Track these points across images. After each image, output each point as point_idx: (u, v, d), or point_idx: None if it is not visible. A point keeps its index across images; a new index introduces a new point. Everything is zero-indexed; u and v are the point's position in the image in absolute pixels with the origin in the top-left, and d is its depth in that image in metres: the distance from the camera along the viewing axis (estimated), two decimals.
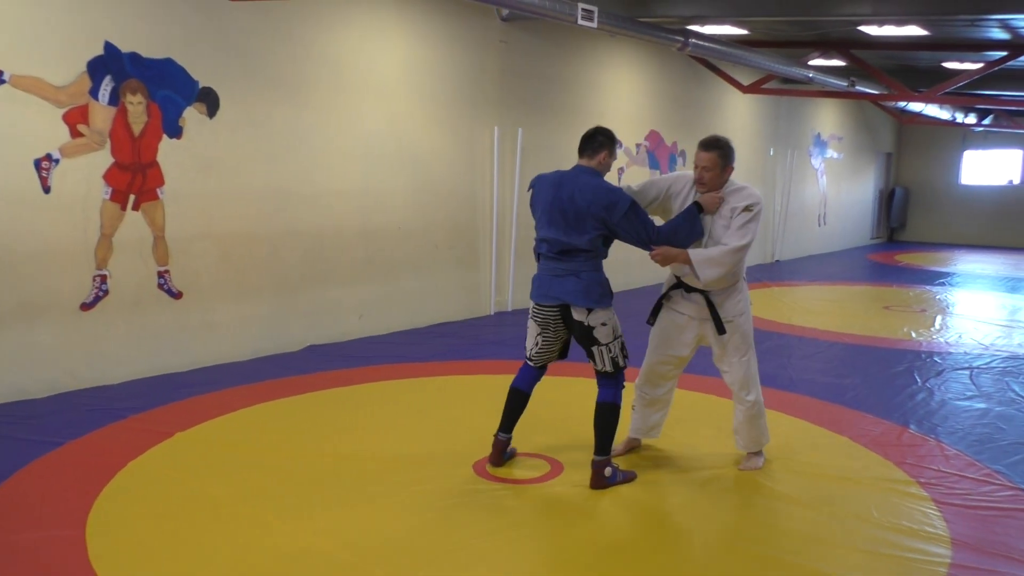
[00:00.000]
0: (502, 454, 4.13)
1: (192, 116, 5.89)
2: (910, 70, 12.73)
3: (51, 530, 3.34)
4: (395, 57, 7.35)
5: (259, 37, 6.25)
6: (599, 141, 3.93)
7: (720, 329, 4.00)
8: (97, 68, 5.33)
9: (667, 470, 4.25)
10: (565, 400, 5.16)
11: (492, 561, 3.26)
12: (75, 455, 4.20)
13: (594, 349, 3.92)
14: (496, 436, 4.13)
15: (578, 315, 3.86)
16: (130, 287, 5.68)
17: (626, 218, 3.78)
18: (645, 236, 3.83)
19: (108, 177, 5.47)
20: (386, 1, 7.19)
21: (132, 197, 5.62)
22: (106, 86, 5.38)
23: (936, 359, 6.95)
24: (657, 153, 11.12)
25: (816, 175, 15.77)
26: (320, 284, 6.95)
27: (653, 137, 11.00)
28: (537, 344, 4.03)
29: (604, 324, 3.89)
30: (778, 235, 14.32)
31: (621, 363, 3.97)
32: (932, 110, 14.73)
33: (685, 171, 4.23)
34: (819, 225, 16.17)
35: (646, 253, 3.96)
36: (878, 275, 13.20)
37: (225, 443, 4.45)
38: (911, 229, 19.35)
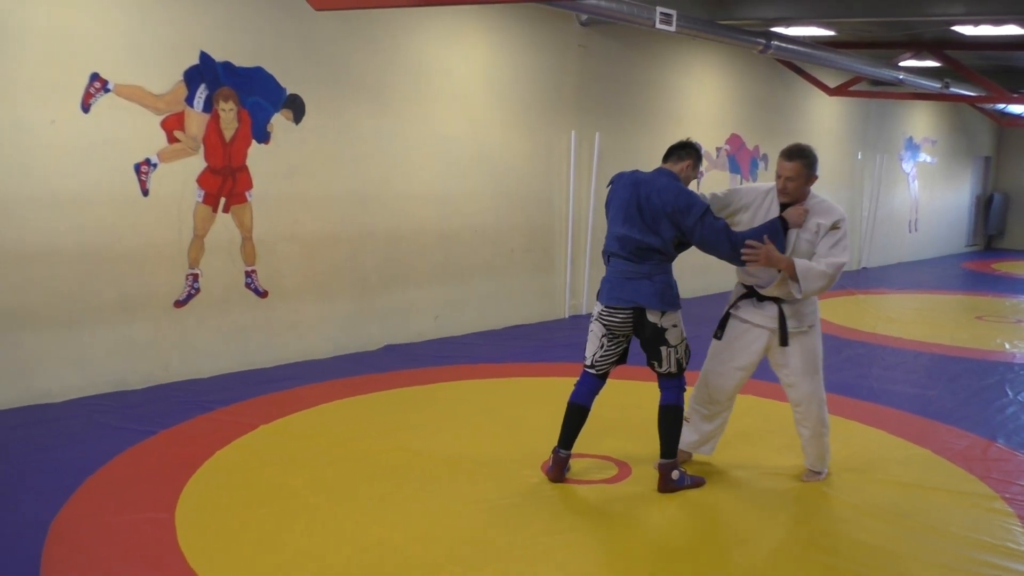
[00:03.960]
0: (563, 470, 4.08)
1: (279, 122, 6.14)
2: (1011, 70, 12.17)
3: (143, 512, 3.55)
4: (475, 63, 7.48)
5: (344, 45, 6.47)
6: (687, 151, 3.99)
7: (783, 340, 3.91)
8: (193, 77, 5.62)
9: (736, 477, 4.21)
10: (634, 403, 5.16)
11: (556, 560, 3.30)
12: (167, 444, 4.45)
13: (662, 350, 3.94)
14: (556, 452, 4.08)
15: (652, 317, 3.89)
16: (220, 286, 5.96)
17: (701, 223, 3.77)
18: (726, 242, 3.80)
19: (201, 181, 5.76)
20: (466, 8, 7.33)
21: (223, 200, 5.90)
22: (201, 94, 5.67)
23: None
24: (738, 157, 10.95)
25: (907, 180, 15.22)
26: (398, 286, 7.13)
27: (734, 141, 10.83)
28: (602, 347, 4.02)
29: (675, 326, 3.94)
30: (866, 241, 13.88)
31: (684, 364, 4.02)
32: None
33: (756, 184, 4.17)
34: (910, 231, 15.60)
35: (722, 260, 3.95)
36: (972, 284, 12.65)
37: (304, 436, 4.63)
38: (1011, 237, 18.44)
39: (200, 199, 5.77)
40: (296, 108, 6.23)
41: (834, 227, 3.76)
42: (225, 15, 5.75)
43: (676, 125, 9.74)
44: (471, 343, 7.25)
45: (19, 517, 3.51)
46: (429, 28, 7.06)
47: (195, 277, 5.82)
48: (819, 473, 4.18)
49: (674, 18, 6.41)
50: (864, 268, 13.82)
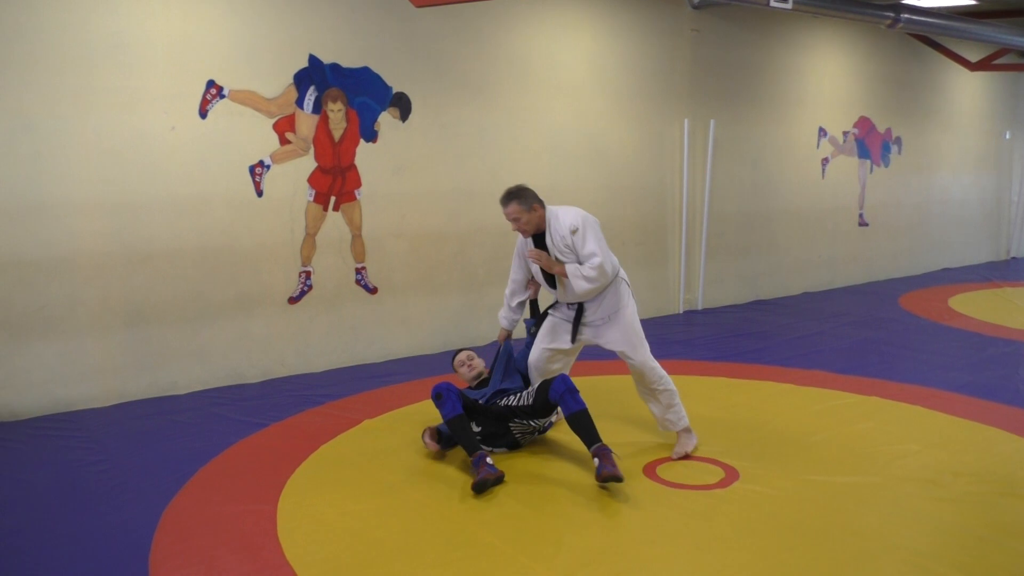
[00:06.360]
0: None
1: (386, 120, 6.22)
2: None
3: (248, 504, 3.66)
4: (581, 53, 7.34)
5: (448, 41, 6.48)
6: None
7: (572, 338, 4.22)
8: (302, 79, 5.77)
9: (866, 485, 3.91)
10: (743, 402, 4.90)
11: (657, 567, 3.15)
12: (276, 436, 4.58)
13: None
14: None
15: None
16: (331, 282, 6.11)
17: None
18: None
19: (312, 180, 5.92)
20: None
21: (333, 199, 6.04)
22: (310, 96, 5.82)
23: None
24: (868, 141, 10.30)
25: None
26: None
27: (863, 124, 10.19)
28: None
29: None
30: (1015, 228, 12.77)
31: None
32: None
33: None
34: None
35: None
36: None
37: (406, 431, 4.66)
38: None
39: (311, 198, 5.93)
40: (403, 106, 6.30)
41: (573, 232, 4.00)
42: (332, 18, 5.87)
43: (798, 109, 9.26)
44: None
45: (136, 505, 3.69)
46: (533, 20, 6.97)
47: (308, 274, 5.99)
48: (689, 435, 4.20)
49: None
50: (1013, 258, 12.73)
